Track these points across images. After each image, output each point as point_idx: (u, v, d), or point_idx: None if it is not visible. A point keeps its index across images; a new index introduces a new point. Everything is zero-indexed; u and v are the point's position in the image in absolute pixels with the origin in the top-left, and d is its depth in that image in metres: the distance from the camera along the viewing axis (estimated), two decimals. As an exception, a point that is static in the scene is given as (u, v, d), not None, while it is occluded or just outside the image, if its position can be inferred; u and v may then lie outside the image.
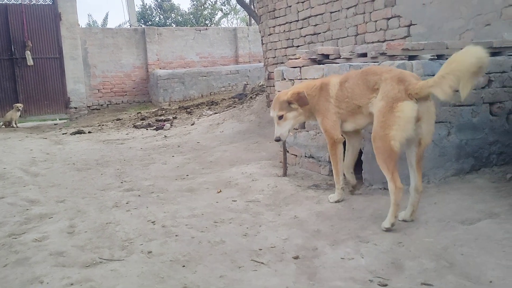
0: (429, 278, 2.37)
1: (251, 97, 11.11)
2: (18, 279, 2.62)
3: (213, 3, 28.41)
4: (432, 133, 3.09)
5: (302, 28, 7.52)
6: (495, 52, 4.10)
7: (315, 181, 4.50)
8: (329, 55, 4.47)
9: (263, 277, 2.52)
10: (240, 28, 18.53)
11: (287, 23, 7.92)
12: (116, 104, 15.52)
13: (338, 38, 6.68)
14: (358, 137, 3.78)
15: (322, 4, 6.92)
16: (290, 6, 7.75)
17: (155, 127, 10.28)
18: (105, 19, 31.49)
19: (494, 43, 4.08)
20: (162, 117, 11.68)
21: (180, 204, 4.02)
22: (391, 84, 3.02)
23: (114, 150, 7.62)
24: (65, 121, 13.73)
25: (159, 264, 2.74)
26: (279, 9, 8.09)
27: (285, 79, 4.99)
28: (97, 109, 15.11)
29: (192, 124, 10.00)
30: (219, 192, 4.37)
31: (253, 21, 20.14)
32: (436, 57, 3.88)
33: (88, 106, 14.80)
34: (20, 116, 12.44)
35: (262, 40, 9.06)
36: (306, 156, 4.91)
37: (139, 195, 4.46)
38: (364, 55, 4.08)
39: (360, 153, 4.00)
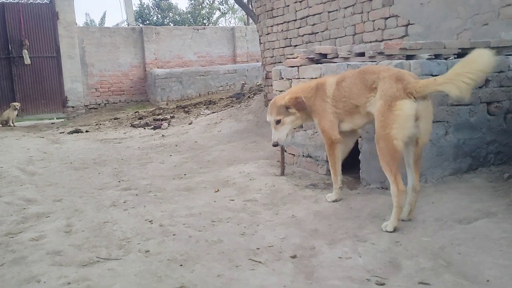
0: (427, 277, 2.37)
1: (249, 97, 11.11)
2: (15, 278, 2.61)
3: (211, 2, 28.40)
4: (430, 133, 3.10)
5: (300, 27, 7.52)
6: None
7: (312, 180, 4.50)
8: (327, 54, 4.47)
9: (261, 276, 2.52)
10: (238, 28, 18.51)
11: (285, 22, 7.92)
12: (113, 103, 15.48)
13: (336, 38, 6.69)
14: (353, 137, 3.76)
15: (320, 3, 6.92)
16: (288, 6, 7.75)
17: (152, 126, 10.26)
18: (103, 18, 31.39)
19: (491, 43, 4.08)
20: (160, 116, 11.66)
21: (177, 203, 4.02)
22: (389, 83, 3.01)
23: (112, 149, 7.61)
24: (63, 120, 13.70)
25: (157, 263, 2.74)
26: (277, 8, 8.09)
27: (283, 78, 4.99)
28: (94, 108, 15.07)
29: (190, 124, 9.99)
30: (216, 191, 4.36)
31: (251, 20, 20.13)
32: (434, 57, 3.88)
33: (86, 105, 14.76)
34: (17, 115, 12.39)
35: (260, 39, 9.05)
36: (303, 156, 4.92)
37: (137, 194, 4.46)
38: (362, 54, 4.08)
39: (358, 152, 4.01)
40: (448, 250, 2.62)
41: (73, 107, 14.15)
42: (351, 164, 4.13)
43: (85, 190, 4.76)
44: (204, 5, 28.12)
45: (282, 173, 4.76)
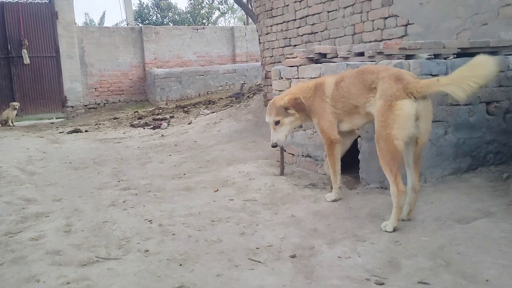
0: (426, 276, 2.37)
1: (248, 97, 11.11)
2: (15, 278, 2.61)
3: (210, 2, 28.39)
4: (429, 132, 3.10)
5: (299, 27, 7.52)
6: (492, 51, 4.11)
7: (312, 180, 4.50)
8: (326, 54, 4.47)
9: (260, 276, 2.52)
10: (237, 27, 18.52)
11: (284, 22, 7.92)
12: (113, 103, 15.48)
13: (336, 37, 6.69)
14: (350, 137, 3.75)
15: (320, 3, 6.92)
16: (288, 5, 7.75)
17: (152, 126, 10.26)
18: (102, 18, 31.42)
19: (491, 43, 4.09)
20: (159, 116, 11.66)
21: (177, 203, 4.02)
22: (388, 83, 3.01)
23: (111, 149, 7.61)
24: (62, 120, 13.69)
25: (156, 263, 2.74)
26: (277, 8, 8.09)
27: (282, 78, 4.99)
28: (94, 108, 15.06)
29: (189, 123, 9.99)
30: (216, 191, 4.36)
31: (250, 20, 20.10)
32: (433, 56, 3.89)
33: (85, 105, 14.75)
34: (16, 115, 12.39)
35: (259, 39, 9.05)
36: (303, 155, 4.92)
37: (136, 194, 4.46)
38: (361, 54, 4.08)
39: (357, 152, 4.01)
40: (447, 249, 2.62)
41: (72, 107, 14.14)
42: (350, 164, 4.13)
43: (84, 190, 4.76)
44: (203, 5, 28.12)
45: (282, 173, 4.76)
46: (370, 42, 5.79)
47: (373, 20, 5.97)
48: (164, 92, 14.70)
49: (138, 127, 10.53)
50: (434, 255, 2.59)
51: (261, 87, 10.77)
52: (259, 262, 2.71)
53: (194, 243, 3.03)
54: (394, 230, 2.98)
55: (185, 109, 12.35)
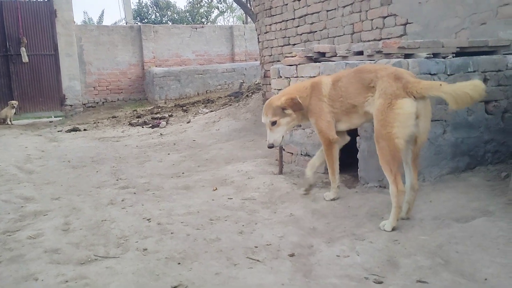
0: (424, 275, 2.37)
1: (247, 95, 11.11)
2: (13, 276, 2.61)
3: (209, 1, 28.33)
4: (428, 131, 3.09)
5: (298, 26, 7.51)
6: (490, 51, 4.11)
7: (311, 179, 4.50)
8: (325, 53, 4.47)
9: (259, 275, 2.52)
10: (236, 26, 18.49)
11: (283, 21, 7.92)
12: (111, 101, 15.45)
13: (335, 37, 6.68)
14: (342, 138, 3.73)
15: (319, 2, 6.92)
16: (287, 4, 7.74)
17: (150, 125, 10.25)
18: (101, 17, 31.48)
19: (489, 42, 4.09)
20: (158, 115, 11.64)
21: (175, 202, 4.02)
22: (388, 82, 3.01)
23: (110, 147, 7.60)
24: (60, 118, 13.66)
25: (155, 261, 2.73)
26: (276, 7, 8.08)
27: (281, 77, 4.99)
28: (92, 107, 15.04)
29: (188, 122, 9.99)
30: (215, 190, 4.36)
31: (249, 19, 20.12)
32: (432, 56, 3.89)
33: (84, 104, 14.72)
34: (15, 113, 12.34)
35: (258, 38, 9.04)
36: (302, 154, 4.92)
37: (135, 193, 4.45)
38: (360, 53, 4.08)
39: (356, 151, 4.01)
40: (446, 248, 2.63)
41: (71, 105, 14.11)
42: (349, 163, 4.13)
43: (83, 189, 4.76)
44: (202, 4, 28.08)
45: (280, 172, 4.76)
46: (369, 41, 5.78)
47: (372, 19, 5.97)
48: (163, 91, 14.68)
49: (137, 126, 10.52)
50: (432, 254, 2.59)
51: (260, 86, 10.77)
52: (258, 260, 2.71)
53: (193, 242, 3.03)
54: (393, 229, 2.98)
55: (184, 108, 12.33)
